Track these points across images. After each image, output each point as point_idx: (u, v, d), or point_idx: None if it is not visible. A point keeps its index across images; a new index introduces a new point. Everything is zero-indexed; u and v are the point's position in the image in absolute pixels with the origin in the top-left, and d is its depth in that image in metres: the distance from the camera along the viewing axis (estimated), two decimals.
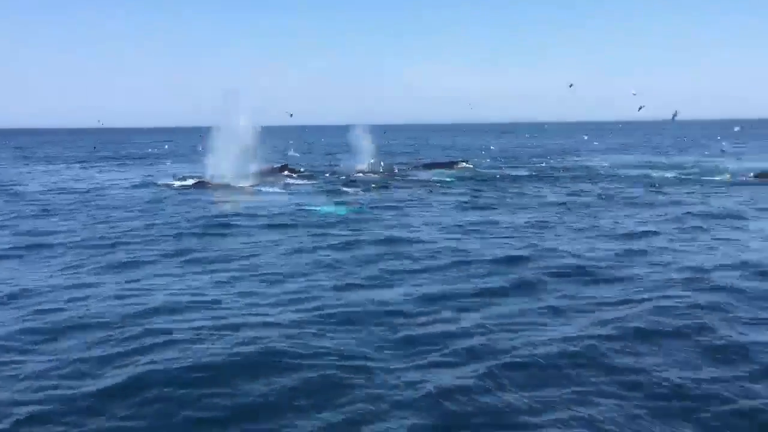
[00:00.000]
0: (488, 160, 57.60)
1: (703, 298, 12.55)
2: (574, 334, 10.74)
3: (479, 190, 33.63)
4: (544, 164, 53.35)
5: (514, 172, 44.69)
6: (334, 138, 63.08)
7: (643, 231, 20.45)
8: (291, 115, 48.15)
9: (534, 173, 44.27)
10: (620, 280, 14.40)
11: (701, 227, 21.06)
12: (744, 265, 15.37)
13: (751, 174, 38.41)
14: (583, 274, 14.96)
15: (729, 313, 11.80)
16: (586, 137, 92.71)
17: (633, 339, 10.48)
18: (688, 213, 23.94)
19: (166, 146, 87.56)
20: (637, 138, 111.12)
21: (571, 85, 47.37)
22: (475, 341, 10.57)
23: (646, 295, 12.98)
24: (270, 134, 40.22)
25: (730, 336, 10.58)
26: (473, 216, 24.60)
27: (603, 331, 10.80)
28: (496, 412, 8.17)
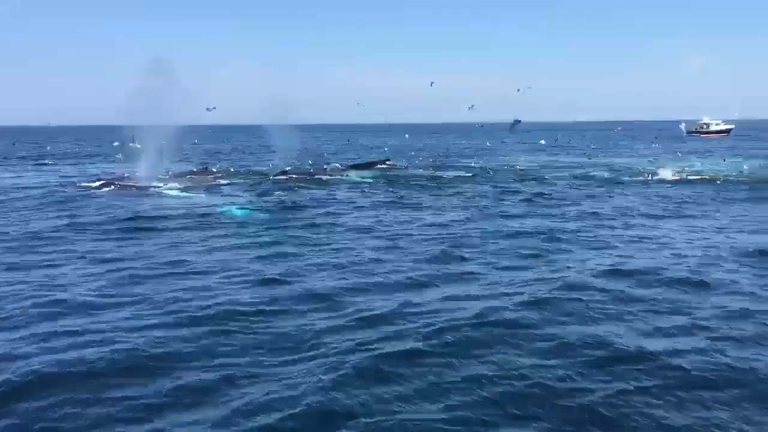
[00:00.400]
0: (417, 161, 58.20)
1: (572, 295, 13.19)
2: (447, 325, 11.35)
3: (403, 190, 34.16)
4: (473, 164, 54.24)
5: (439, 172, 45.25)
6: (263, 138, 62.67)
7: (549, 229, 21.29)
8: (211, 109, 47.10)
9: (460, 173, 44.94)
10: (504, 278, 15.03)
11: (606, 226, 22.16)
12: (628, 265, 16.01)
13: (669, 175, 39.91)
14: (470, 273, 15.59)
15: (588, 310, 12.35)
16: (543, 141, 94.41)
17: (494, 331, 11.12)
18: (594, 213, 24.99)
19: (79, 145, 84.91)
20: (574, 139, 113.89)
21: (432, 83, 48.52)
22: (354, 336, 11.06)
23: (521, 290, 13.71)
24: (194, 134, 39.50)
25: (583, 331, 11.15)
26: (394, 214, 25.17)
27: (470, 323, 11.44)
28: (376, 403, 8.58)
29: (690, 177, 39.01)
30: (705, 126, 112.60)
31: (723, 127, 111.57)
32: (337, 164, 50.70)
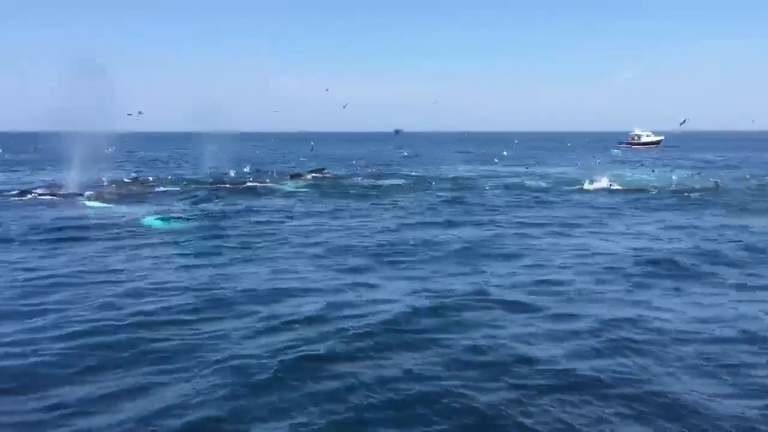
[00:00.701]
0: (356, 169, 58.39)
1: (483, 303, 13.59)
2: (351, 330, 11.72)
3: (338, 198, 34.29)
4: (413, 173, 54.75)
5: (377, 181, 45.48)
6: (200, 147, 61.53)
7: (475, 238, 21.71)
8: (135, 115, 45.90)
9: (398, 182, 45.32)
10: (423, 285, 15.28)
11: (530, 235, 22.72)
12: (540, 274, 16.44)
13: (599, 185, 40.78)
14: (392, 280, 15.94)
15: (495, 317, 12.73)
16: (506, 153, 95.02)
17: (404, 336, 11.46)
18: (521, 223, 25.60)
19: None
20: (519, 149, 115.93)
21: (327, 90, 50.02)
22: (268, 341, 11.23)
23: (436, 297, 13.96)
24: (120, 141, 38.54)
25: (489, 337, 11.50)
26: (329, 223, 25.34)
27: (382, 328, 11.80)
28: (282, 408, 8.77)
29: (619, 187, 40.18)
30: (636, 137, 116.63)
31: (653, 138, 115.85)
32: (274, 173, 50.29)
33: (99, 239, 21.18)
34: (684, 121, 61.60)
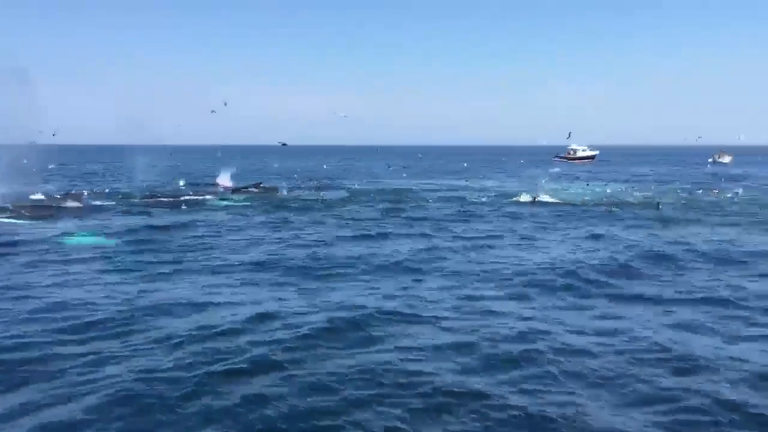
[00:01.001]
0: (297, 182, 58.27)
1: (393, 317, 13.87)
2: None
3: (273, 212, 34.25)
4: (356, 186, 54.96)
5: (315, 194, 45.50)
6: (134, 159, 60.23)
7: (406, 251, 22.10)
8: (48, 132, 44.62)
9: (338, 194, 45.42)
10: (340, 298, 15.60)
11: (462, 247, 23.28)
12: (455, 289, 16.77)
13: (535, 198, 41.87)
14: (312, 292, 16.29)
15: (395, 332, 12.95)
16: (466, 164, 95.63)
17: (310, 350, 11.70)
18: (458, 236, 25.99)
19: None
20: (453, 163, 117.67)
21: (226, 104, 50.93)
22: (171, 356, 11.29)
23: (348, 311, 14.22)
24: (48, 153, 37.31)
25: (385, 350, 11.79)
26: (258, 235, 25.30)
27: (287, 343, 11.97)
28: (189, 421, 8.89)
29: (555, 200, 41.24)
30: (572, 152, 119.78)
31: (589, 153, 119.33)
32: (211, 186, 49.67)
33: (25, 254, 20.64)
34: (569, 135, 66.64)
